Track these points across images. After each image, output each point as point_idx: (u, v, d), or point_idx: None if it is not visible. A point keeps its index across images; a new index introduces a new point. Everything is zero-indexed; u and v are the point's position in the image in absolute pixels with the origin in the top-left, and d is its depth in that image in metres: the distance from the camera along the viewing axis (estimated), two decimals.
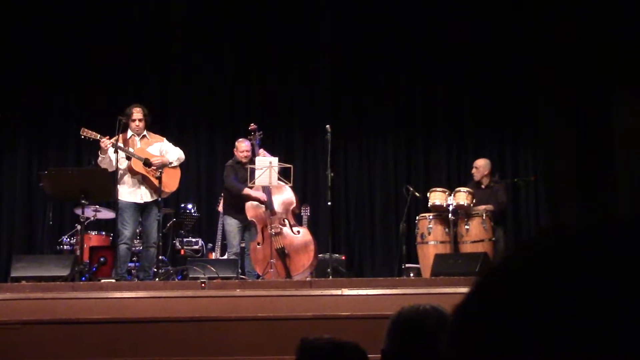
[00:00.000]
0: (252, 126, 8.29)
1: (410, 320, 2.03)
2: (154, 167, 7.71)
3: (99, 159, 7.76)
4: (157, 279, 7.40)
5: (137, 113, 7.87)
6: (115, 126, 7.64)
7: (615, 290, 0.52)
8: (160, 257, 7.80)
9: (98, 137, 7.74)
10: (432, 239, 8.33)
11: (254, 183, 7.94)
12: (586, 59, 9.75)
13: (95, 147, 8.40)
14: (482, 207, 8.39)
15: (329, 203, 8.19)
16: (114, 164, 7.59)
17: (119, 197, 7.67)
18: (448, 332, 0.60)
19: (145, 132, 7.98)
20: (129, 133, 7.91)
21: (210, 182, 10.64)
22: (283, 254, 7.99)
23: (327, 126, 8.06)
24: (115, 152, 7.58)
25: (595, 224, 0.57)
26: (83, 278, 7.33)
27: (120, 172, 7.67)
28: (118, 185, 7.64)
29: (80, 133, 7.84)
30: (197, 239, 9.59)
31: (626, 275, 0.52)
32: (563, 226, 0.58)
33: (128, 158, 7.73)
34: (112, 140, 7.62)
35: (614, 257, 0.54)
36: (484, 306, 0.58)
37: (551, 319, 0.53)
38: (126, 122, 7.82)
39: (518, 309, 0.54)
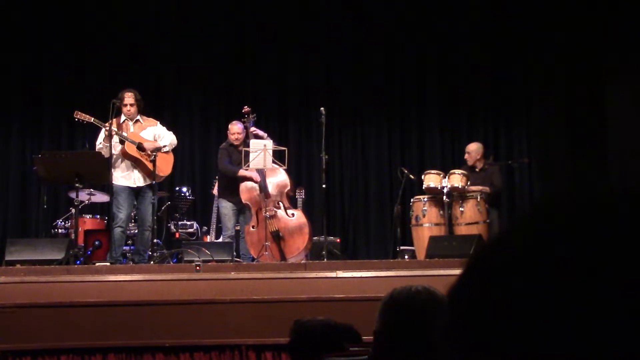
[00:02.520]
0: (246, 109, 8.27)
1: (402, 301, 2.03)
2: (147, 152, 7.70)
3: (100, 145, 7.69)
4: (152, 262, 7.41)
5: (129, 98, 7.85)
6: (108, 110, 7.62)
7: (609, 262, 0.52)
8: (155, 240, 7.80)
9: (92, 120, 7.72)
10: (426, 221, 8.34)
11: (248, 166, 7.93)
12: (582, 32, 9.78)
13: (89, 131, 8.38)
14: (478, 187, 8.40)
15: (324, 185, 8.18)
16: (109, 147, 7.57)
17: (113, 181, 7.67)
18: (444, 314, 0.60)
19: (138, 117, 7.96)
20: (122, 117, 7.89)
21: (205, 165, 10.63)
22: (278, 237, 8.00)
23: (322, 109, 8.04)
24: (110, 136, 7.56)
25: (587, 196, 0.57)
26: (78, 261, 7.32)
27: (114, 156, 7.65)
28: (112, 169, 7.63)
29: (74, 116, 7.81)
30: (192, 222, 9.59)
31: (619, 248, 0.52)
32: (555, 201, 0.58)
33: (121, 142, 7.71)
34: (107, 124, 7.61)
35: (607, 230, 0.54)
36: (480, 285, 0.57)
37: (544, 295, 0.53)
38: (119, 106, 7.81)
39: (512, 284, 0.54)
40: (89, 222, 8.85)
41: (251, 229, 8.10)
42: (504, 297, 0.55)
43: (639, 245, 0.52)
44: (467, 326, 0.56)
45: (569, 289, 0.52)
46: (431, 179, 8.37)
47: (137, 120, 7.95)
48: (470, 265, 0.59)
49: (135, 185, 7.78)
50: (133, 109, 7.88)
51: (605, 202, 0.56)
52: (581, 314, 0.51)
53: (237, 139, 8.32)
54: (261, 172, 8.09)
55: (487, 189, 8.46)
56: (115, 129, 7.62)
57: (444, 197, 8.22)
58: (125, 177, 7.76)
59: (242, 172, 8.11)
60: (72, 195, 8.02)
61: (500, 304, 0.55)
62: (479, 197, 8.24)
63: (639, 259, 0.51)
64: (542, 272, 0.54)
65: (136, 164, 7.76)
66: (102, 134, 7.79)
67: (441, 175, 8.37)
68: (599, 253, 0.52)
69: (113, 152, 7.59)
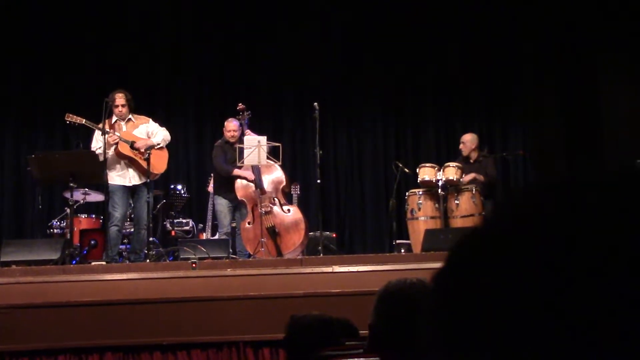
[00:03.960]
0: (241, 106, 8.26)
1: (397, 294, 2.03)
2: (140, 150, 7.70)
3: (100, 151, 7.62)
4: (148, 261, 7.40)
5: (120, 99, 7.84)
6: (100, 110, 7.61)
7: (607, 245, 0.51)
8: (151, 239, 7.79)
9: (84, 122, 7.71)
10: (422, 214, 8.33)
11: (242, 162, 7.92)
12: (576, 25, 9.80)
13: (82, 131, 8.35)
14: (472, 175, 8.39)
15: (319, 181, 8.18)
16: (103, 149, 7.55)
17: (109, 181, 7.66)
18: (428, 301, 0.59)
19: (130, 116, 7.94)
20: (114, 118, 7.88)
21: (200, 162, 10.61)
22: (274, 233, 7.99)
23: (315, 104, 8.03)
24: (103, 135, 7.56)
25: (578, 180, 0.56)
26: (74, 261, 7.32)
27: (109, 156, 7.64)
28: (107, 169, 7.62)
29: (65, 118, 7.80)
30: (188, 220, 9.58)
31: (617, 229, 0.51)
32: (541, 187, 0.57)
33: (115, 142, 7.70)
34: (99, 125, 7.61)
35: (602, 212, 0.53)
36: (462, 273, 0.57)
37: (526, 283, 0.52)
38: (111, 106, 7.79)
39: (494, 273, 0.54)
40: (84, 221, 8.84)
41: (247, 225, 8.09)
42: (485, 285, 0.54)
43: (630, 230, 0.51)
44: (449, 316, 0.56)
45: (552, 278, 0.51)
46: (426, 172, 8.37)
47: (129, 120, 7.94)
48: (452, 253, 0.59)
49: (131, 184, 7.78)
50: (125, 110, 7.87)
51: (589, 188, 0.55)
52: (566, 304, 0.50)
53: (233, 137, 8.31)
54: (256, 168, 8.08)
55: (481, 177, 8.46)
56: (109, 130, 7.61)
57: (439, 190, 8.22)
58: (121, 176, 7.76)
59: (236, 172, 8.11)
60: (67, 195, 8.00)
61: (481, 293, 0.54)
62: (474, 189, 8.24)
63: (630, 244, 0.51)
64: (524, 260, 0.53)
65: (130, 162, 7.75)
66: (96, 138, 7.77)
67: (436, 169, 8.37)
68: (585, 239, 0.52)
69: (107, 151, 7.59)
